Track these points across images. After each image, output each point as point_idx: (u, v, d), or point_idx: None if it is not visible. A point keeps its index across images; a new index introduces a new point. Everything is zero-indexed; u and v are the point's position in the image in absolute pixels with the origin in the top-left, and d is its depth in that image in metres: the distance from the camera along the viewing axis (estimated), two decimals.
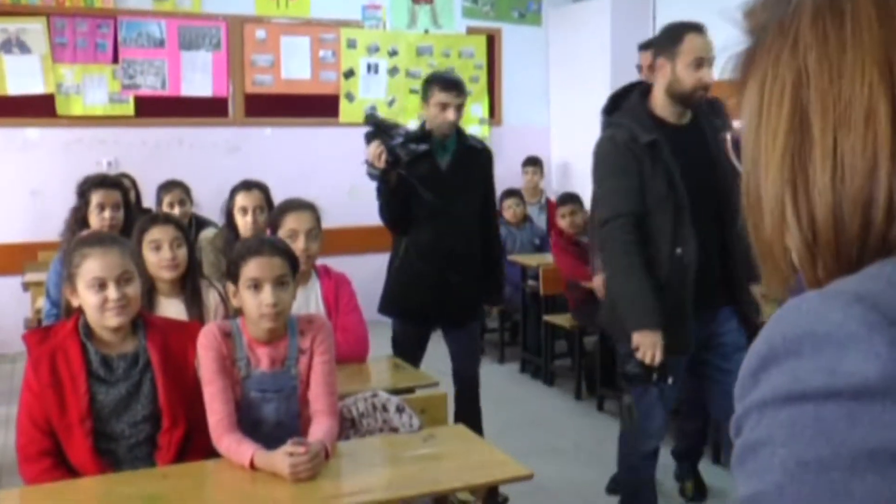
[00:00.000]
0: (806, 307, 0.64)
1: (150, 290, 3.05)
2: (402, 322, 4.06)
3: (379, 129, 3.74)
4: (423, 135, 3.85)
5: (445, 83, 3.93)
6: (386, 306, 4.10)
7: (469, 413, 4.08)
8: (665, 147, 3.06)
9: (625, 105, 3.23)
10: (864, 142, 0.66)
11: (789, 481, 0.59)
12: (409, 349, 3.94)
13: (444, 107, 3.87)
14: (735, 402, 0.66)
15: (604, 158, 3.18)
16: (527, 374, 6.16)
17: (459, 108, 3.92)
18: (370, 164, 3.70)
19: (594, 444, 4.69)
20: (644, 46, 4.56)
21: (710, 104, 3.34)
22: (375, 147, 3.66)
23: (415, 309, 4.00)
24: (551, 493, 4.02)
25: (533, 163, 7.58)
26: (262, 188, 4.26)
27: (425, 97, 3.95)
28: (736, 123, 3.39)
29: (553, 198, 7.72)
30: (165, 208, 4.95)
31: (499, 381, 6.05)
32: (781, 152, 0.71)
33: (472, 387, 4.23)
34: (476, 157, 4.03)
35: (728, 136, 3.17)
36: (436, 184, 3.80)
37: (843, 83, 0.67)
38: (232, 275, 2.57)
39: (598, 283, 4.16)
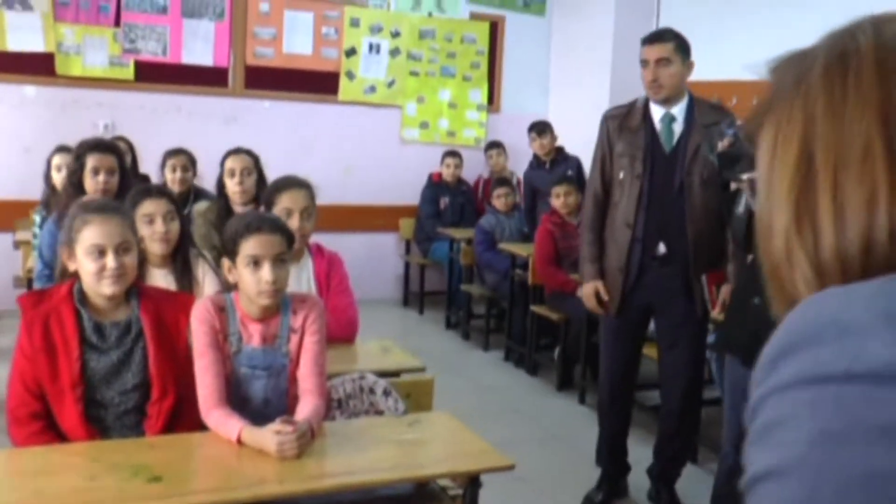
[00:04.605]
0: (827, 300, 0.70)
1: (141, 261, 3.06)
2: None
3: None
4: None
5: (644, 38, 3.63)
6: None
7: None
8: None
9: None
10: (860, 175, 0.74)
11: (809, 451, 0.64)
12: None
13: (643, 64, 3.59)
14: (752, 388, 0.72)
15: None
16: (510, 362, 6.20)
17: (661, 64, 3.54)
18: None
19: (572, 436, 4.74)
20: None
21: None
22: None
23: None
24: (527, 482, 4.07)
25: (495, 146, 7.64)
26: (251, 154, 4.33)
27: None
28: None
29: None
30: (168, 172, 5.02)
31: (481, 368, 6.10)
32: (789, 187, 0.79)
33: None
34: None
35: (746, 177, 3.23)
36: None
37: (843, 128, 0.76)
38: (229, 251, 2.58)
39: (725, 293, 3.69)
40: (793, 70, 0.83)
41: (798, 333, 0.70)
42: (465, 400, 5.17)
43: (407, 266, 7.86)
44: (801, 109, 0.79)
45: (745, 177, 3.22)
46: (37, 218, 4.75)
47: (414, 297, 7.74)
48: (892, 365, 0.64)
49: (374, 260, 7.70)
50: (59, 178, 4.77)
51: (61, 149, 4.96)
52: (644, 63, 3.58)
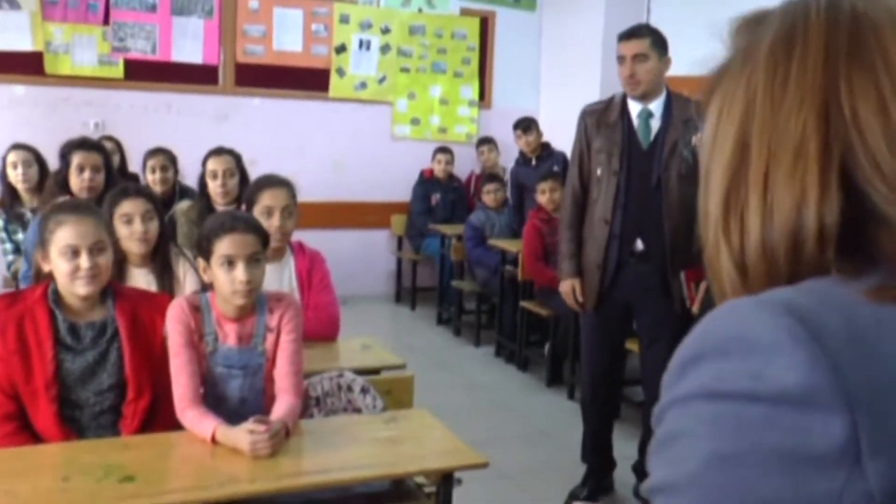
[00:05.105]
0: (739, 312, 0.67)
1: (120, 261, 3.06)
2: None
3: None
4: None
5: (621, 34, 3.63)
6: None
7: None
8: None
9: None
10: (792, 172, 0.69)
11: (704, 472, 0.63)
12: None
13: (619, 60, 3.60)
14: (662, 390, 0.69)
15: None
16: (501, 358, 6.20)
17: (638, 59, 3.54)
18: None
19: (560, 432, 4.74)
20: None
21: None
22: None
23: None
24: (513, 478, 4.08)
25: (486, 142, 7.64)
26: (233, 154, 4.33)
27: None
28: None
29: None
30: (149, 173, 5.00)
31: (472, 363, 6.10)
32: (723, 173, 0.74)
33: None
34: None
35: (695, 139, 3.25)
36: None
37: (780, 118, 0.70)
38: (204, 251, 2.58)
39: (704, 289, 3.71)
40: (746, 38, 0.76)
41: (707, 343, 0.67)
42: (455, 396, 5.18)
43: (399, 262, 7.86)
44: (745, 90, 0.73)
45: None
46: (0, 222, 4.77)
47: (406, 292, 7.74)
48: (794, 388, 0.61)
49: (366, 256, 7.71)
50: (14, 176, 4.77)
51: (16, 146, 4.90)
52: (621, 59, 3.57)
